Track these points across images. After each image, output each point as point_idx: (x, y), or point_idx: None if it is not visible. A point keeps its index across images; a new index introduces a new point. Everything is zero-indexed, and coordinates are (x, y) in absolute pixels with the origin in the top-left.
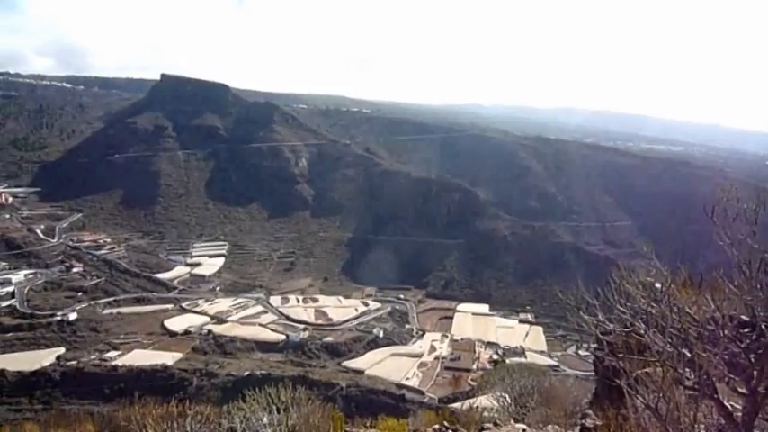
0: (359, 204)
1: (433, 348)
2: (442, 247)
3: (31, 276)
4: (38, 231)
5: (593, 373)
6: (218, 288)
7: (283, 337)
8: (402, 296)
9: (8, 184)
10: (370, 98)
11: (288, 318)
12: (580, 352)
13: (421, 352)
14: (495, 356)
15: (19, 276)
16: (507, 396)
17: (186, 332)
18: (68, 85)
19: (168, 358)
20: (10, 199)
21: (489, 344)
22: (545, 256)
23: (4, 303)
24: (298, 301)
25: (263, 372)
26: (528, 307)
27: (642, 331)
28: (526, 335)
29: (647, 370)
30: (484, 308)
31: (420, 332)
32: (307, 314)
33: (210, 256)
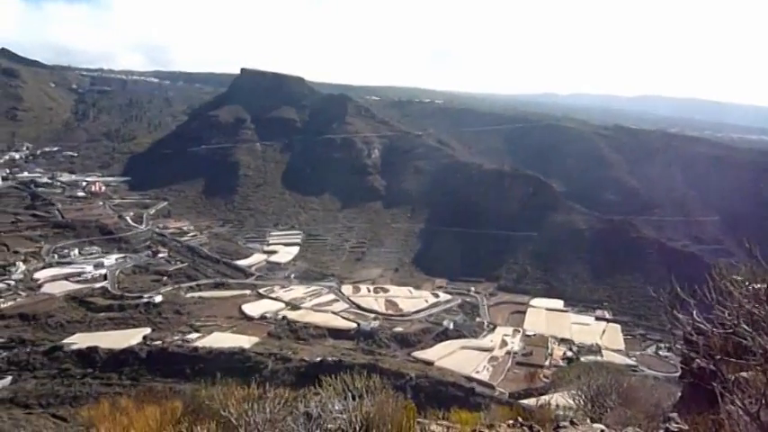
0: (430, 195)
1: (504, 343)
2: (514, 240)
3: (121, 260)
4: (128, 218)
5: (679, 374)
6: (292, 276)
7: (354, 325)
8: (473, 289)
9: (101, 173)
10: (442, 89)
11: (359, 307)
12: (661, 352)
13: (492, 346)
14: (570, 354)
15: (110, 260)
16: (584, 395)
17: (262, 317)
18: (155, 80)
19: (245, 342)
20: (103, 188)
21: (563, 340)
22: (624, 252)
23: (98, 285)
24: (368, 290)
25: (334, 358)
26: (605, 304)
27: (745, 333)
28: (603, 332)
29: (746, 374)
30: (558, 303)
31: (491, 326)
32: (377, 304)
33: (286, 245)
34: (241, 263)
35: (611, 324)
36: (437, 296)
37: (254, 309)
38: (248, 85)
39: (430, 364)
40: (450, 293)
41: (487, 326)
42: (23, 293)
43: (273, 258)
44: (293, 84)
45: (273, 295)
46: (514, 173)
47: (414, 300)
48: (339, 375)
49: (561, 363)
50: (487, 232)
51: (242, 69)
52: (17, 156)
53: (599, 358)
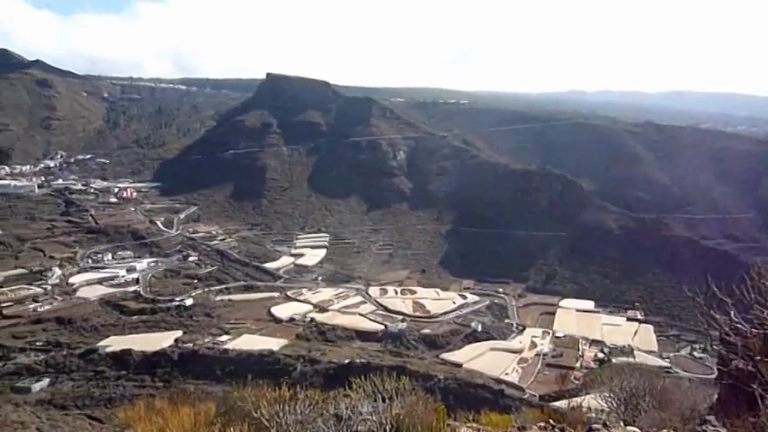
0: (456, 196)
1: (533, 344)
2: (543, 240)
3: (152, 264)
4: (158, 223)
5: (716, 376)
6: (320, 278)
7: (382, 327)
8: (501, 290)
9: (132, 179)
10: (467, 89)
11: (386, 309)
12: (696, 353)
13: (521, 347)
14: (601, 355)
15: (142, 264)
16: (616, 397)
17: (291, 319)
18: (183, 87)
19: (274, 344)
20: (134, 193)
21: (594, 342)
22: (656, 251)
23: (130, 289)
24: (396, 292)
25: (362, 360)
26: (637, 304)
27: None
28: (635, 333)
29: None
30: (588, 304)
31: (520, 327)
32: (404, 305)
33: (313, 248)
34: (269, 266)
35: (643, 325)
36: (464, 297)
37: (282, 311)
38: (274, 90)
39: (458, 365)
40: (477, 295)
41: (516, 327)
42: (59, 298)
43: (301, 261)
44: (318, 87)
45: (301, 298)
46: (542, 172)
47: (441, 301)
48: (368, 377)
49: (592, 364)
50: (515, 233)
51: (267, 74)
52: (52, 164)
53: (631, 360)
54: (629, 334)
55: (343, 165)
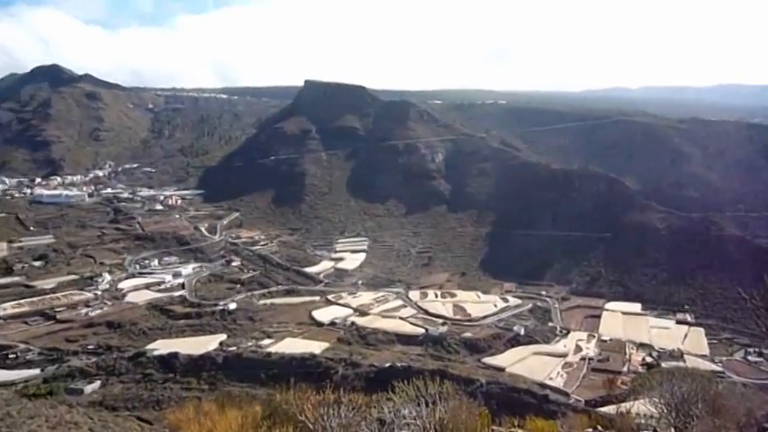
0: (496, 198)
1: (578, 348)
2: (586, 242)
3: (197, 269)
4: (202, 229)
5: None
6: (360, 282)
7: (422, 330)
8: (544, 293)
9: (177, 187)
10: (505, 89)
11: (426, 312)
12: (750, 357)
13: (565, 351)
14: (649, 359)
15: (188, 269)
16: (667, 403)
17: (332, 323)
18: (224, 96)
19: (316, 347)
20: (179, 201)
21: (642, 345)
22: (705, 251)
23: (176, 293)
24: (436, 295)
25: (403, 364)
26: (686, 306)
27: None
28: (684, 337)
29: None
30: (635, 307)
31: (564, 331)
32: (445, 309)
33: (353, 252)
34: (310, 270)
35: (693, 328)
36: (506, 301)
37: (323, 315)
38: (312, 97)
39: (501, 370)
40: (519, 298)
41: (560, 331)
42: (109, 303)
43: (341, 265)
44: (355, 92)
45: (342, 302)
46: (584, 172)
47: (482, 304)
48: (410, 381)
49: (640, 369)
50: (557, 234)
51: (305, 81)
52: (101, 173)
53: (681, 364)
54: (679, 337)
55: (381, 169)
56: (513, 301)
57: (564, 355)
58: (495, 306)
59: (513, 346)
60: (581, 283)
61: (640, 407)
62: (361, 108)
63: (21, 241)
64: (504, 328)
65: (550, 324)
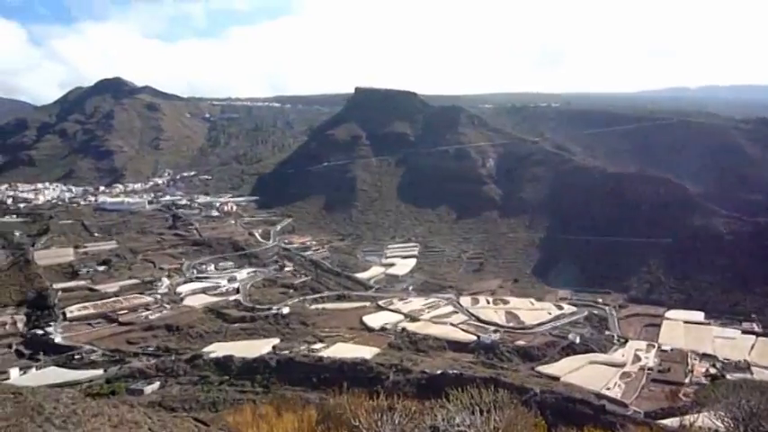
0: (550, 203)
1: (637, 358)
2: (645, 247)
3: (251, 274)
4: (256, 235)
5: None
6: (410, 287)
7: (474, 337)
8: (600, 300)
9: (232, 194)
10: (558, 91)
11: (478, 319)
12: None
13: (623, 361)
14: (713, 370)
15: (242, 274)
16: (733, 416)
17: (382, 329)
18: (277, 105)
19: (367, 352)
20: (234, 207)
21: (705, 356)
22: None
23: (232, 298)
24: (488, 302)
25: (455, 371)
26: (753, 315)
27: None
28: (751, 347)
29: None
30: (698, 315)
31: (622, 340)
32: (497, 316)
33: (403, 257)
34: (360, 276)
35: (761, 338)
36: (561, 308)
37: (374, 320)
38: (362, 103)
39: (555, 379)
40: (574, 305)
41: (618, 340)
42: (168, 306)
43: (391, 271)
44: (405, 98)
45: (392, 307)
46: (641, 175)
47: (536, 312)
48: (464, 389)
49: (704, 380)
50: (614, 240)
51: (356, 88)
52: (160, 181)
53: (748, 376)
54: (745, 348)
55: (431, 174)
56: (567, 308)
57: (622, 365)
58: (550, 313)
59: (567, 355)
60: (640, 291)
61: (705, 420)
62: (411, 114)
63: (86, 247)
64: (558, 336)
65: (607, 332)
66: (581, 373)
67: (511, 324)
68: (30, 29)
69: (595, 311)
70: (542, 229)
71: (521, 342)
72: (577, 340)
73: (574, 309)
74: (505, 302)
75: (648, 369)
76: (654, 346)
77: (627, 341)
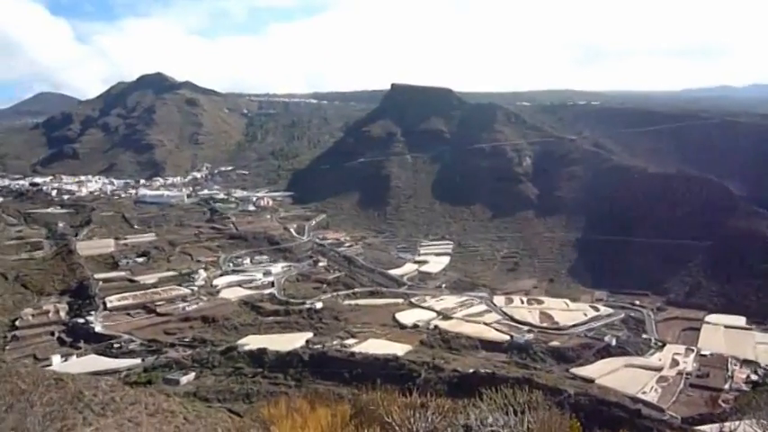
0: (587, 203)
1: (675, 362)
2: (685, 249)
3: (286, 268)
4: (291, 230)
5: None
6: (443, 285)
7: (507, 337)
8: (638, 302)
9: (268, 189)
10: (598, 89)
11: (512, 318)
12: None
13: (660, 365)
14: (755, 377)
15: (277, 268)
16: None
17: (414, 326)
18: (314, 101)
19: (398, 349)
20: (270, 202)
21: (746, 362)
22: None
23: (266, 291)
24: (522, 302)
25: (487, 370)
26: None
27: None
28: None
29: None
30: (739, 320)
31: (659, 343)
32: (531, 316)
33: (437, 255)
34: (394, 272)
35: None
36: (596, 309)
37: (406, 317)
38: (398, 100)
39: (590, 381)
40: (611, 307)
41: (655, 343)
42: (205, 298)
43: (424, 268)
44: (441, 95)
45: (425, 304)
46: (683, 175)
47: (571, 313)
48: (497, 389)
49: (744, 387)
50: (653, 241)
51: (392, 85)
52: (198, 175)
53: None
54: None
55: (466, 172)
56: (604, 310)
57: (659, 369)
58: (585, 315)
59: (603, 357)
60: (679, 294)
61: (745, 428)
62: (447, 111)
63: (126, 238)
64: (594, 337)
65: (644, 335)
66: (616, 375)
67: (545, 324)
68: (76, 26)
69: (632, 314)
70: (579, 229)
71: (555, 343)
72: (613, 342)
73: (610, 310)
74: (540, 302)
75: (687, 374)
76: (693, 351)
77: (664, 345)
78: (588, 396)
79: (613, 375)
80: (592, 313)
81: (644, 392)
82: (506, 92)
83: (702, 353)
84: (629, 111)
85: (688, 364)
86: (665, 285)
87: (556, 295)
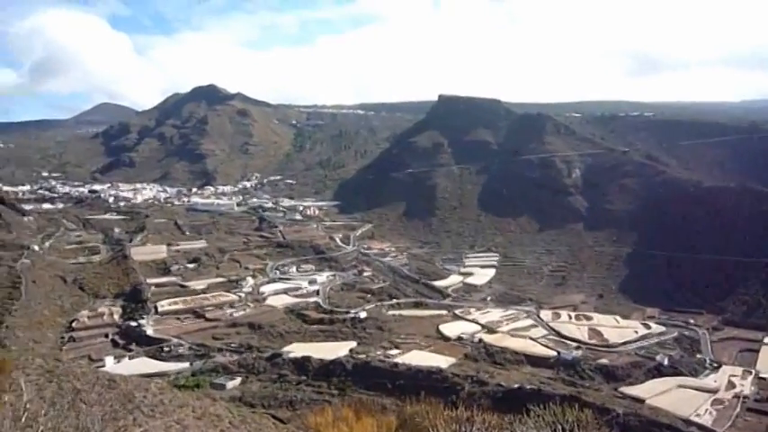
0: (639, 216)
1: (731, 384)
2: (743, 267)
3: (331, 277)
4: (337, 239)
5: None
6: (488, 298)
7: (554, 353)
8: (692, 321)
9: (315, 198)
10: (652, 100)
11: (559, 334)
12: None
13: (716, 387)
14: None
15: (322, 277)
16: None
17: (459, 338)
18: (361, 112)
19: (442, 361)
20: (317, 211)
21: None
22: None
23: (311, 300)
24: (569, 317)
25: (533, 386)
26: None
27: None
28: None
29: None
30: None
31: (715, 364)
32: (579, 332)
33: (482, 267)
34: (438, 284)
35: None
36: (648, 327)
37: (450, 329)
38: (445, 111)
39: (640, 401)
40: (663, 325)
41: (710, 364)
42: (252, 305)
43: (469, 280)
44: (488, 106)
45: (470, 317)
46: (741, 189)
47: (621, 330)
48: (545, 405)
49: None
50: (709, 257)
51: (439, 96)
52: (248, 184)
53: None
54: None
55: (513, 183)
56: (655, 328)
57: (714, 391)
58: (636, 332)
59: (654, 377)
60: (736, 313)
61: None
62: (494, 121)
63: (178, 245)
64: (645, 356)
65: (699, 356)
66: (668, 396)
67: (594, 341)
68: (135, 39)
69: (686, 333)
70: (630, 244)
71: (604, 360)
72: (666, 362)
73: (662, 328)
74: (589, 318)
75: (744, 397)
76: (751, 373)
77: (720, 366)
78: (638, 416)
79: (665, 396)
80: (643, 331)
81: (698, 415)
82: (555, 102)
83: (761, 375)
84: (684, 122)
85: (745, 386)
86: (721, 304)
87: (605, 311)
